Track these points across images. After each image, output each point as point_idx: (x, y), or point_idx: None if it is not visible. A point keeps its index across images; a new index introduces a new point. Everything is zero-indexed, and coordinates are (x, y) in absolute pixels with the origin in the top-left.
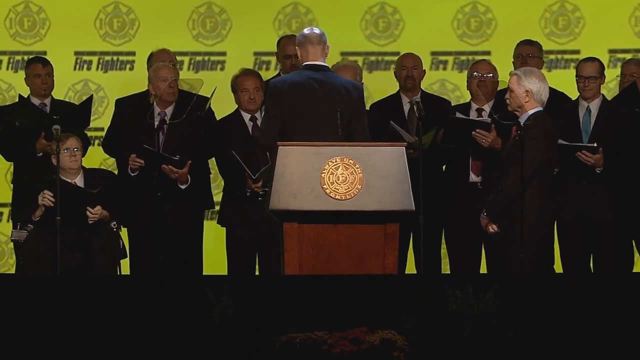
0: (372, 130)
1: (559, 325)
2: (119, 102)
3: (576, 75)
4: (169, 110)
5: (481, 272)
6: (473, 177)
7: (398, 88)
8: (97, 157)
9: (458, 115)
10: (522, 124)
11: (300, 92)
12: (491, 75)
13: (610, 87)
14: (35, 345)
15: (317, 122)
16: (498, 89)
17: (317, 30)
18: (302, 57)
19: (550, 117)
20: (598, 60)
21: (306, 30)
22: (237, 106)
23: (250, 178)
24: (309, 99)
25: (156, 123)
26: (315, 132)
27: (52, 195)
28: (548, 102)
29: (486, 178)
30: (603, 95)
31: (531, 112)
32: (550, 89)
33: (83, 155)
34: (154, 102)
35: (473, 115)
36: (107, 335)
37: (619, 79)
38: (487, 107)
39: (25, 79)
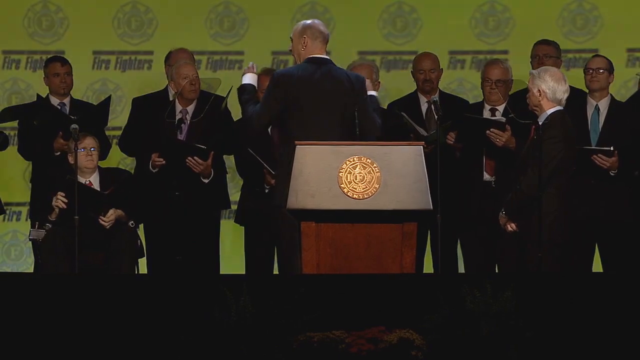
0: (390, 130)
1: (575, 324)
2: (136, 101)
3: (584, 69)
4: (191, 108)
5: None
6: (486, 177)
7: (415, 87)
8: (114, 157)
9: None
10: (540, 123)
11: (305, 85)
12: (502, 81)
13: (629, 86)
14: (53, 344)
15: (321, 115)
16: (513, 87)
17: (323, 28)
18: (305, 48)
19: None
20: (607, 58)
21: (316, 25)
22: None
23: (269, 173)
24: (313, 92)
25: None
26: (318, 126)
27: (64, 196)
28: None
29: (500, 177)
30: (611, 95)
31: (550, 111)
32: (571, 87)
33: (105, 157)
34: (175, 100)
35: (486, 114)
36: (124, 334)
37: (638, 77)
38: (500, 107)
39: (44, 78)
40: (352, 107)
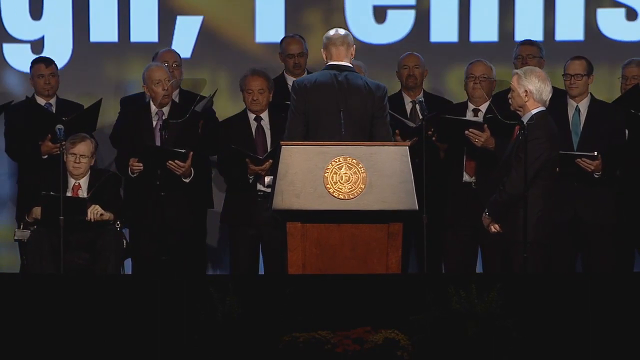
0: None
1: (560, 325)
2: (123, 101)
3: (563, 74)
4: (166, 109)
5: (476, 272)
6: (466, 177)
7: (400, 87)
8: (107, 158)
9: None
10: (525, 123)
11: (323, 91)
12: (486, 76)
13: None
14: (39, 345)
15: (338, 121)
16: (496, 88)
17: (341, 32)
18: (327, 58)
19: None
20: (585, 58)
21: (330, 32)
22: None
23: (254, 161)
24: (331, 98)
25: (154, 122)
26: (337, 132)
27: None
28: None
29: (480, 178)
30: (591, 94)
31: (534, 111)
32: (554, 88)
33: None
34: (150, 102)
35: (469, 115)
36: (110, 335)
37: (620, 81)
38: (483, 108)
39: (29, 79)
40: (369, 115)
